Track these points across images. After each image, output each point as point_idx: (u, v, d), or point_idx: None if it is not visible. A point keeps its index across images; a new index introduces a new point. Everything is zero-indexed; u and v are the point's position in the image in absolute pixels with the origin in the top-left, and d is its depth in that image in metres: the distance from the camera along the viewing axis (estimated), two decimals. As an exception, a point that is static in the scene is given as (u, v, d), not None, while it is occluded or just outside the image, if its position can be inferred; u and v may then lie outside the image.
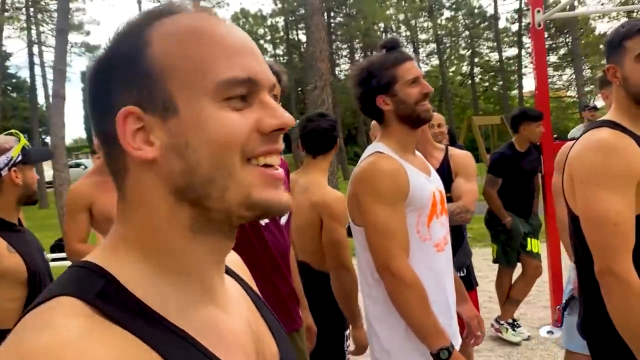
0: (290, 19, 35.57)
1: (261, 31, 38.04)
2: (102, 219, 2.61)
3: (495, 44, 37.30)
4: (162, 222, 0.59)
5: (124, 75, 0.58)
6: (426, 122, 1.86)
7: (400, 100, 1.77)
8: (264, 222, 1.94)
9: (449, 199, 2.71)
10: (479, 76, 40.38)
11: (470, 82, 39.43)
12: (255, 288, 0.79)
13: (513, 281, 4.47)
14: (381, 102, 1.79)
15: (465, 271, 3.16)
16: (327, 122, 2.49)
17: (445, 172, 2.87)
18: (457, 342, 1.86)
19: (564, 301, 2.70)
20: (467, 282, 3.12)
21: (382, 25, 35.91)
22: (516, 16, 35.86)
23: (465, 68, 40.28)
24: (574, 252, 1.77)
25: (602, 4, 31.23)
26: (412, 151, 1.87)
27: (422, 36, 39.61)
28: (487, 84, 40.65)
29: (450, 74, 39.90)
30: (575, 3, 29.71)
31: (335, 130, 2.50)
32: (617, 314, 1.53)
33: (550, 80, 35.95)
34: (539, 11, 4.61)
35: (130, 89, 0.58)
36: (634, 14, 26.85)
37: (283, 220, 2.06)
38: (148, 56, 0.58)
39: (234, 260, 0.79)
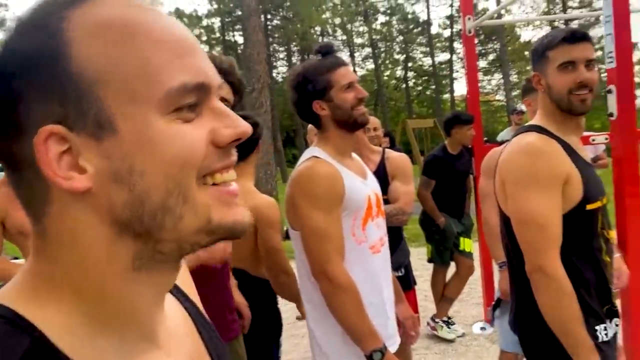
0: (227, 20, 35.20)
1: (197, 32, 37.44)
2: (16, 232, 2.45)
3: (428, 49, 38.45)
4: (98, 262, 0.49)
5: (37, 83, 0.46)
6: (363, 126, 1.89)
7: (336, 106, 1.79)
8: None
9: (386, 201, 2.76)
10: (413, 80, 41.48)
11: (404, 86, 40.43)
12: (195, 295, 0.73)
13: (447, 280, 4.60)
14: (317, 107, 1.81)
15: (403, 270, 3.22)
16: None
17: (382, 175, 2.91)
18: (395, 342, 1.90)
19: (494, 302, 2.81)
20: (406, 281, 3.18)
21: (319, 28, 36.20)
22: (448, 22, 37.15)
23: (399, 72, 41.30)
24: (506, 252, 1.84)
25: (527, 13, 32.93)
26: (349, 155, 1.89)
27: (358, 40, 40.28)
28: (420, 87, 41.81)
29: (385, 77, 40.74)
30: (503, 11, 31.10)
31: (255, 133, 2.45)
32: (548, 310, 1.61)
33: (480, 84, 37.39)
34: (469, 18, 4.78)
35: (47, 102, 0.46)
36: (555, 22, 28.41)
37: None
38: (70, 58, 0.45)
39: None
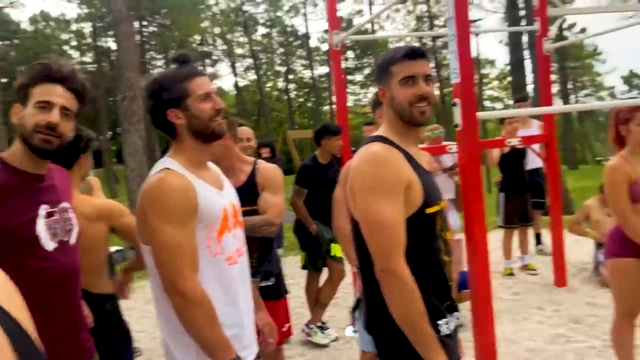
0: (99, 25, 33.31)
1: (65, 36, 35.05)
2: None
3: (307, 61, 39.31)
4: None
5: None
6: (220, 138, 1.86)
7: (193, 115, 1.76)
8: (51, 246, 1.77)
9: (256, 212, 2.77)
10: (295, 92, 42.13)
11: (286, 97, 40.95)
12: (19, 311, 0.69)
13: (320, 285, 4.71)
14: (173, 116, 1.76)
15: (274, 280, 3.24)
16: None
17: (253, 186, 2.92)
18: (253, 352, 1.90)
19: (353, 305, 2.94)
20: (276, 290, 3.20)
21: (199, 37, 35.53)
22: (326, 36, 38.27)
23: (281, 84, 41.70)
24: (357, 256, 1.93)
25: (399, 30, 34.94)
26: (204, 166, 1.86)
27: (239, 51, 40.09)
28: (302, 99, 42.59)
29: (268, 89, 40.97)
30: (377, 27, 32.72)
31: (78, 142, 2.29)
32: (396, 309, 1.70)
33: (357, 97, 39.16)
34: (337, 33, 4.99)
35: None
36: (423, 39, 30.42)
37: (73, 239, 1.90)
38: None
39: None
